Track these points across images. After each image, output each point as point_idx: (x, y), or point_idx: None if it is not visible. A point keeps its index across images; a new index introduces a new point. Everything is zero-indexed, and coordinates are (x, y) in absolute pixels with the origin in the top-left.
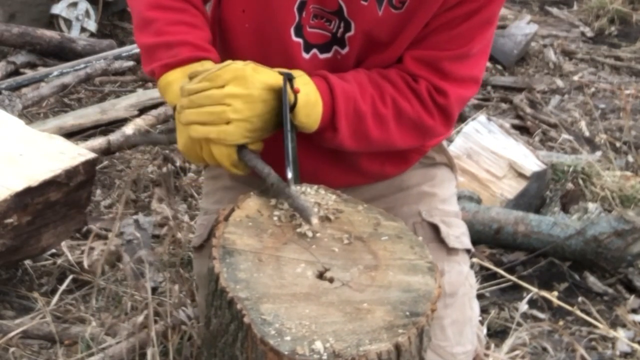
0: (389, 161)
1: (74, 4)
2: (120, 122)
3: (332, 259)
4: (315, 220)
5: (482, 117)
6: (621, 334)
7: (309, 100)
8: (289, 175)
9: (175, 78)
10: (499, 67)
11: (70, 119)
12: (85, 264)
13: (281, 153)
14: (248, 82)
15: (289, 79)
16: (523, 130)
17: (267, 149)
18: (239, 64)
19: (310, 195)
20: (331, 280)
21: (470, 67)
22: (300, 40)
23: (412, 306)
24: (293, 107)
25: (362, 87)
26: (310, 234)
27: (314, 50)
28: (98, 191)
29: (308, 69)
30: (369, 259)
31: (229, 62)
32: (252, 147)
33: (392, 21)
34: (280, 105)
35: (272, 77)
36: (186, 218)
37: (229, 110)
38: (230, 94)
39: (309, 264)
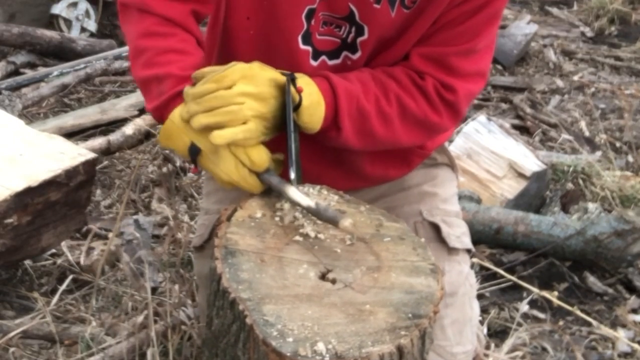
0: (392, 165)
1: (74, 4)
2: (120, 122)
3: (334, 260)
4: (348, 221)
5: (482, 117)
6: (621, 334)
7: (312, 100)
8: (292, 175)
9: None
10: (499, 67)
11: (70, 119)
12: (83, 263)
13: (284, 153)
14: (257, 80)
15: (292, 79)
16: (523, 130)
17: (269, 149)
18: (244, 64)
19: (313, 195)
20: (333, 281)
21: (476, 61)
22: (308, 48)
23: (414, 308)
24: (297, 107)
25: (366, 86)
26: (312, 234)
27: (323, 57)
28: (98, 191)
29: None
30: (372, 260)
31: (234, 62)
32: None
33: (402, 19)
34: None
35: (278, 75)
36: (186, 218)
37: (244, 108)
38: (242, 92)
39: (311, 265)
